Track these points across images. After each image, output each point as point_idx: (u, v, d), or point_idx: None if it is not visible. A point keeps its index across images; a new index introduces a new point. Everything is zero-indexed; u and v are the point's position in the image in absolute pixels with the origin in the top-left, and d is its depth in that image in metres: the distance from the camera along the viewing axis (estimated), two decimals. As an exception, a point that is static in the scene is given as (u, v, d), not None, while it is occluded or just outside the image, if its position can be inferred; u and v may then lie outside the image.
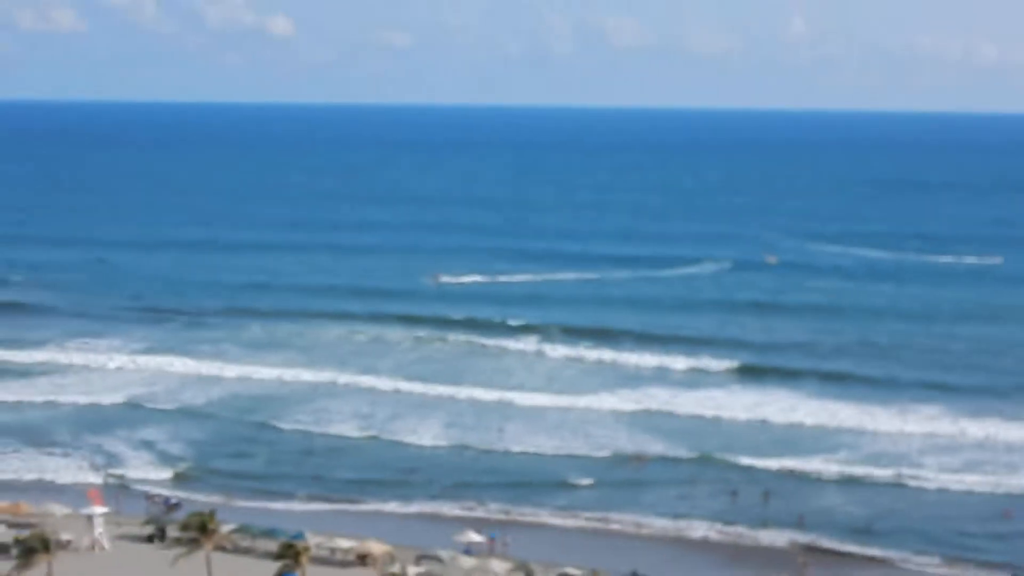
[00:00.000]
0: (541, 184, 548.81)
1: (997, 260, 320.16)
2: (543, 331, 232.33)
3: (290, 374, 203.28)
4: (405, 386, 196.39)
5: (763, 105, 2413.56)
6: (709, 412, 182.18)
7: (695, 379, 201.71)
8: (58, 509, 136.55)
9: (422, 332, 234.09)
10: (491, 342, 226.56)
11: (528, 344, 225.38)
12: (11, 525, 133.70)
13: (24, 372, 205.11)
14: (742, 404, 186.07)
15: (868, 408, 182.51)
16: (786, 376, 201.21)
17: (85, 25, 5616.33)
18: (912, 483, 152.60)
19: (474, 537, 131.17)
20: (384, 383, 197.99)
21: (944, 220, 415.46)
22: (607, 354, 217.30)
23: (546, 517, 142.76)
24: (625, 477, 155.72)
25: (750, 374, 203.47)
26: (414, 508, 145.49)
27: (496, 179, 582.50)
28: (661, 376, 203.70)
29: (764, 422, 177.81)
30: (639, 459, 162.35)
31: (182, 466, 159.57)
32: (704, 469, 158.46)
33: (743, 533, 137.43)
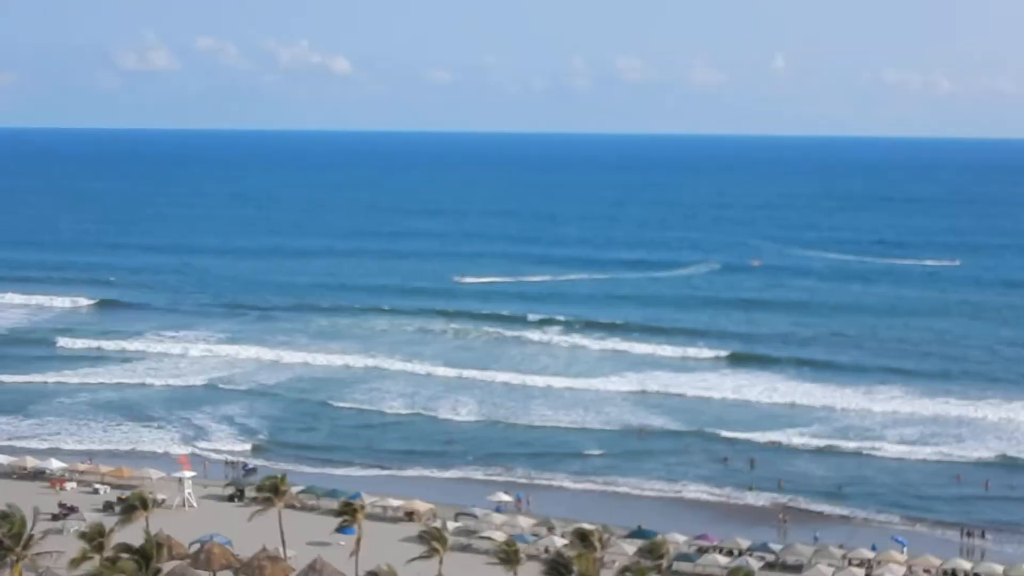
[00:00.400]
0: (561, 200, 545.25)
1: (956, 263, 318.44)
2: (561, 324, 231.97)
3: (347, 360, 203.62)
4: (443, 371, 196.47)
5: (750, 131, 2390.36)
6: (701, 393, 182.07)
7: (689, 365, 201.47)
8: (154, 473, 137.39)
9: (457, 325, 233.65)
10: (516, 333, 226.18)
11: (547, 335, 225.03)
12: (115, 487, 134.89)
13: (124, 358, 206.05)
14: (730, 386, 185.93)
15: (838, 389, 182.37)
16: (767, 362, 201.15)
17: (178, 65, 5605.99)
18: (876, 453, 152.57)
19: (503, 497, 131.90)
20: (426, 368, 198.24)
21: (907, 229, 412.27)
22: (615, 343, 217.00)
23: (563, 481, 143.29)
24: (630, 447, 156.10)
25: (736, 360, 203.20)
26: (452, 473, 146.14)
27: (522, 195, 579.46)
28: (661, 362, 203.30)
29: (748, 402, 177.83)
30: (642, 431, 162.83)
31: (257, 437, 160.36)
32: (697, 441, 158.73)
33: (731, 494, 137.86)
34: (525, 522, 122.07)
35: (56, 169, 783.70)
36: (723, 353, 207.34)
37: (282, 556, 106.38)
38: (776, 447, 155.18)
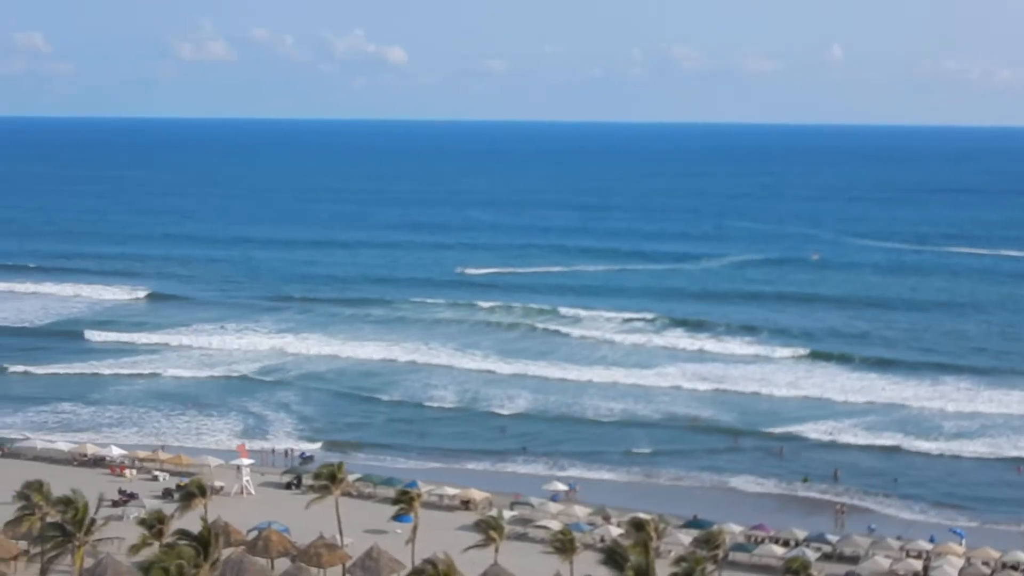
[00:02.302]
0: (613, 191, 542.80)
1: (1020, 254, 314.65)
2: (613, 316, 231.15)
3: (397, 351, 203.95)
4: (494, 363, 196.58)
5: (806, 120, 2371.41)
6: (755, 386, 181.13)
7: (743, 358, 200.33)
8: (212, 461, 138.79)
9: (509, 317, 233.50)
10: (566, 327, 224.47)
11: (599, 327, 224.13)
12: (174, 474, 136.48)
13: (178, 349, 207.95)
14: (785, 379, 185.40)
15: (897, 383, 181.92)
16: (825, 356, 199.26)
17: (235, 55, 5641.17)
18: (934, 446, 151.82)
19: (559, 486, 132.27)
20: (477, 360, 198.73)
21: (967, 220, 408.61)
22: (668, 336, 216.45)
23: (617, 471, 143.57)
24: (684, 438, 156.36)
25: (794, 354, 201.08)
26: (506, 463, 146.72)
27: (575, 185, 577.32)
28: (714, 356, 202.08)
29: (805, 395, 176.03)
30: (693, 422, 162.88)
31: (313, 426, 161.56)
32: (752, 433, 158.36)
33: (787, 486, 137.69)
34: (581, 511, 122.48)
35: (112, 159, 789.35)
36: (779, 346, 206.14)
37: (339, 544, 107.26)
38: (832, 439, 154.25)
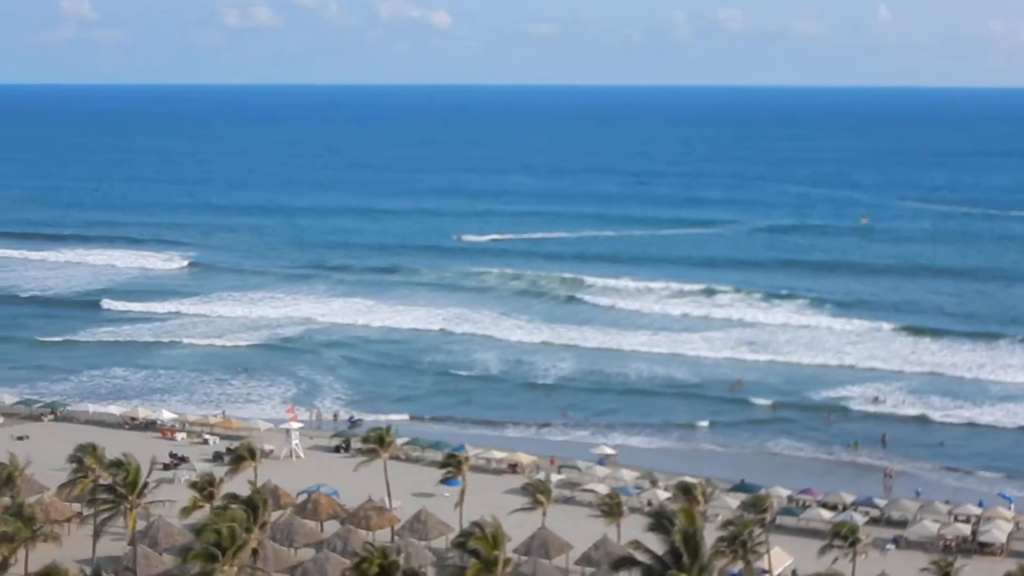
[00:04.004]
0: (656, 157, 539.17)
1: None
2: (657, 282, 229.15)
3: (442, 317, 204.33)
4: (539, 329, 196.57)
5: (852, 83, 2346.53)
6: (802, 354, 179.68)
7: (790, 326, 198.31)
8: (262, 424, 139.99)
9: (553, 284, 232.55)
10: (614, 297, 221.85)
11: (644, 295, 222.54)
12: (224, 437, 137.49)
13: (223, 315, 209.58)
14: (831, 345, 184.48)
15: (946, 349, 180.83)
16: (871, 320, 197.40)
17: (280, 21, 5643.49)
18: (981, 413, 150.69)
19: (607, 450, 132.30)
20: (521, 326, 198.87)
21: (1015, 186, 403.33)
22: (709, 301, 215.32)
23: (661, 436, 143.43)
24: (731, 402, 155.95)
25: (843, 321, 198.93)
26: (552, 428, 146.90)
27: (618, 151, 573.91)
28: (761, 323, 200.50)
29: (852, 365, 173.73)
30: (737, 385, 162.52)
31: (361, 390, 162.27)
32: (799, 398, 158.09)
33: (834, 450, 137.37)
34: (628, 475, 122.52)
35: (158, 127, 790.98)
36: (826, 313, 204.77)
37: (387, 507, 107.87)
38: (879, 406, 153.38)
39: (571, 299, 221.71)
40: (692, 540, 67.79)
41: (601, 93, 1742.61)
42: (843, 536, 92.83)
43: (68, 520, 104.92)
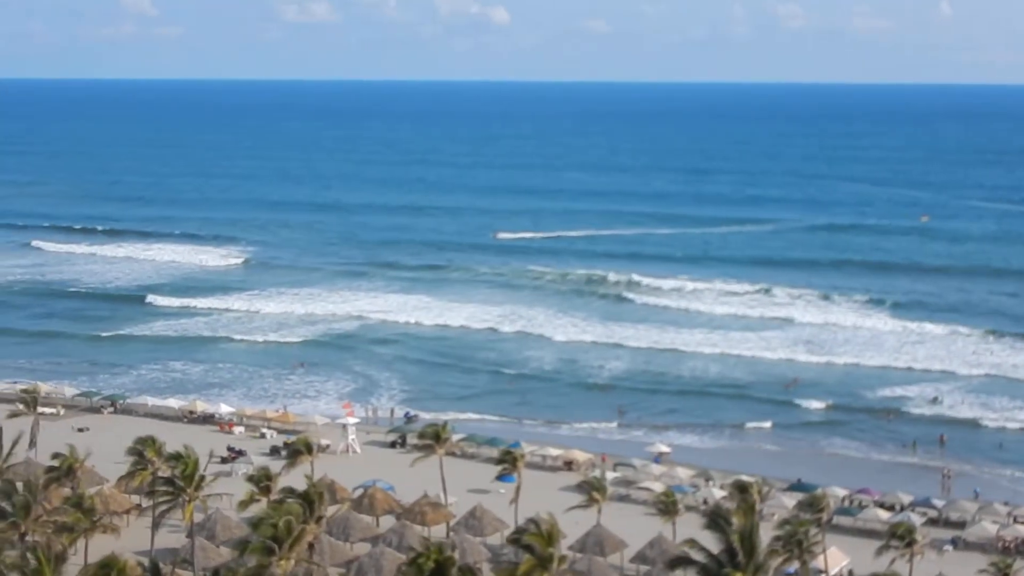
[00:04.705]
0: (713, 153, 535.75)
1: None
2: (713, 282, 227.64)
3: (495, 315, 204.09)
4: (594, 328, 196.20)
5: (913, 80, 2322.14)
6: (859, 355, 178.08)
7: (848, 326, 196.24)
8: (318, 419, 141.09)
9: (607, 284, 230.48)
10: (670, 297, 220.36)
11: (701, 295, 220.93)
12: (281, 431, 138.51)
13: (281, 311, 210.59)
14: (890, 345, 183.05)
15: (1008, 351, 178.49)
16: (929, 320, 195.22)
17: (338, 16, 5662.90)
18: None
19: (662, 448, 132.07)
20: (576, 325, 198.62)
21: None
22: (771, 303, 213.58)
23: (718, 434, 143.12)
24: (784, 402, 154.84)
25: (899, 319, 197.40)
26: (607, 426, 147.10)
27: (675, 147, 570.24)
28: (821, 323, 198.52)
29: (910, 367, 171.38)
30: (793, 383, 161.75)
31: (418, 386, 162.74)
32: (857, 398, 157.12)
33: (892, 450, 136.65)
34: (683, 473, 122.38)
35: (217, 123, 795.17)
36: (886, 313, 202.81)
37: (443, 502, 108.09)
38: (938, 407, 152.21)
39: (625, 298, 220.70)
40: (748, 539, 67.71)
41: (659, 90, 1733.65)
42: (900, 536, 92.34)
43: (127, 512, 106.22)
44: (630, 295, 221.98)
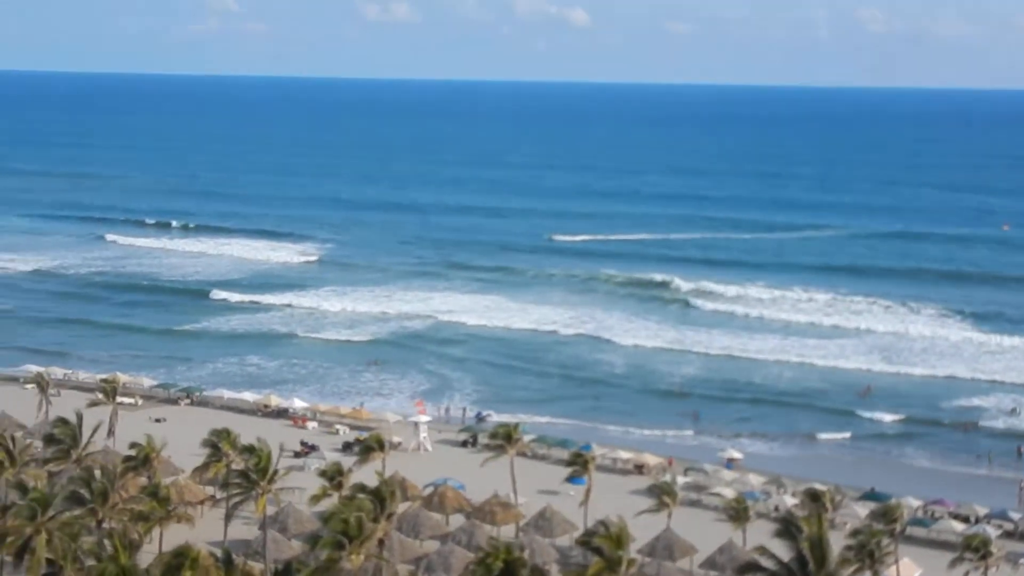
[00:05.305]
0: (790, 159, 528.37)
1: None
2: (784, 292, 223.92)
3: (565, 318, 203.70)
4: (665, 332, 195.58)
5: (1000, 86, 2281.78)
6: (937, 364, 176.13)
7: (924, 336, 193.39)
8: (391, 416, 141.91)
9: (677, 289, 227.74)
10: (750, 309, 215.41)
11: (776, 302, 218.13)
12: (353, 427, 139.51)
13: (353, 308, 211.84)
14: (967, 354, 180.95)
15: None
16: (1010, 335, 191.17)
17: (418, 16, 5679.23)
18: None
19: (734, 454, 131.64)
20: (647, 328, 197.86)
21: None
22: (843, 312, 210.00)
23: (791, 441, 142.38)
24: (858, 412, 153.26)
25: (981, 333, 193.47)
26: (679, 431, 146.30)
27: (752, 152, 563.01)
28: (896, 333, 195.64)
29: (993, 380, 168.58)
30: (868, 390, 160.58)
31: (490, 386, 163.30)
32: (931, 409, 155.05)
33: (968, 461, 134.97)
34: (755, 480, 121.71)
35: (295, 119, 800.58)
36: (964, 324, 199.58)
37: (513, 502, 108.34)
38: (1016, 420, 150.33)
39: (693, 304, 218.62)
40: (819, 548, 67.38)
41: (739, 93, 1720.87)
42: (975, 549, 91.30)
43: (201, 502, 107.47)
44: (699, 301, 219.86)
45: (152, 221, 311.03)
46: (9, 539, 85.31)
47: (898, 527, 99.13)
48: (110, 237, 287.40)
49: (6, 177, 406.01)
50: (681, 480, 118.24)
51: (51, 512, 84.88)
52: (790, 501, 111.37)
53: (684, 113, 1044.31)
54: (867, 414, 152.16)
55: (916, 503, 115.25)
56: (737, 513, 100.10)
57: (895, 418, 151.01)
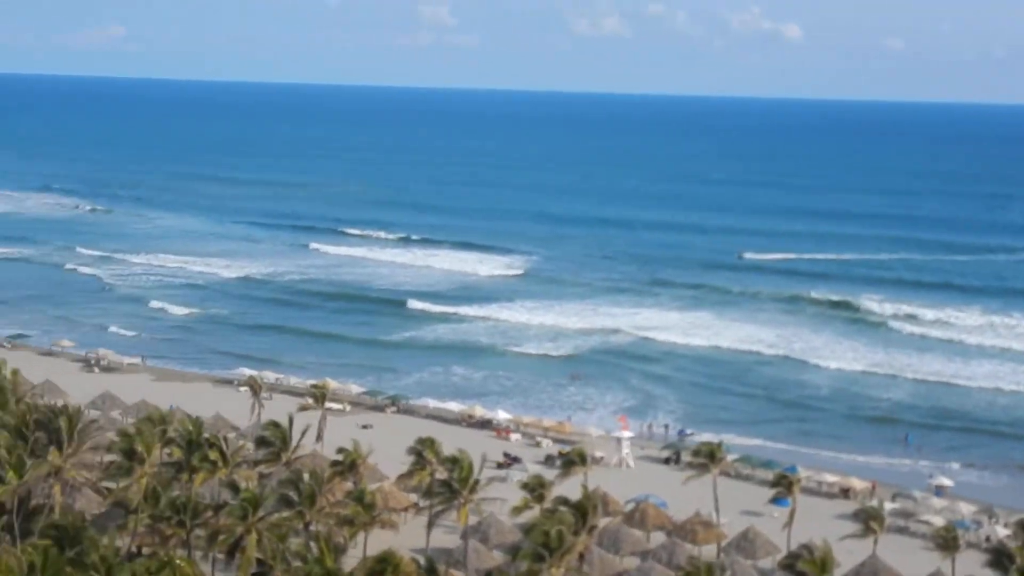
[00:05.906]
0: (1014, 181, 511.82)
1: None
2: (992, 320, 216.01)
3: (763, 338, 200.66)
4: (869, 355, 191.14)
5: None
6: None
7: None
8: (594, 431, 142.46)
9: (876, 314, 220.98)
10: (960, 335, 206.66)
11: (994, 329, 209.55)
12: (556, 441, 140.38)
13: (555, 323, 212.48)
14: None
15: None
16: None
17: (629, 31, 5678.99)
18: None
19: (944, 481, 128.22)
20: (851, 349, 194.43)
21: None
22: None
23: (1005, 470, 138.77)
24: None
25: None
26: (887, 455, 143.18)
27: (972, 173, 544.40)
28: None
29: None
30: None
31: (692, 404, 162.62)
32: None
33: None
34: (966, 508, 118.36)
35: (499, 131, 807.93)
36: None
37: (715, 522, 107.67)
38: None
39: (901, 327, 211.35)
40: (1034, 580, 65.44)
41: (957, 111, 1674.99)
42: None
43: (405, 509, 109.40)
44: (905, 324, 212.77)
45: (356, 232, 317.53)
46: (221, 537, 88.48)
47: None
48: (313, 246, 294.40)
49: (224, 185, 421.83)
50: (888, 506, 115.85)
51: (261, 512, 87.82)
52: (1002, 532, 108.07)
53: (899, 130, 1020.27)
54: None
55: None
56: (946, 542, 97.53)
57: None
